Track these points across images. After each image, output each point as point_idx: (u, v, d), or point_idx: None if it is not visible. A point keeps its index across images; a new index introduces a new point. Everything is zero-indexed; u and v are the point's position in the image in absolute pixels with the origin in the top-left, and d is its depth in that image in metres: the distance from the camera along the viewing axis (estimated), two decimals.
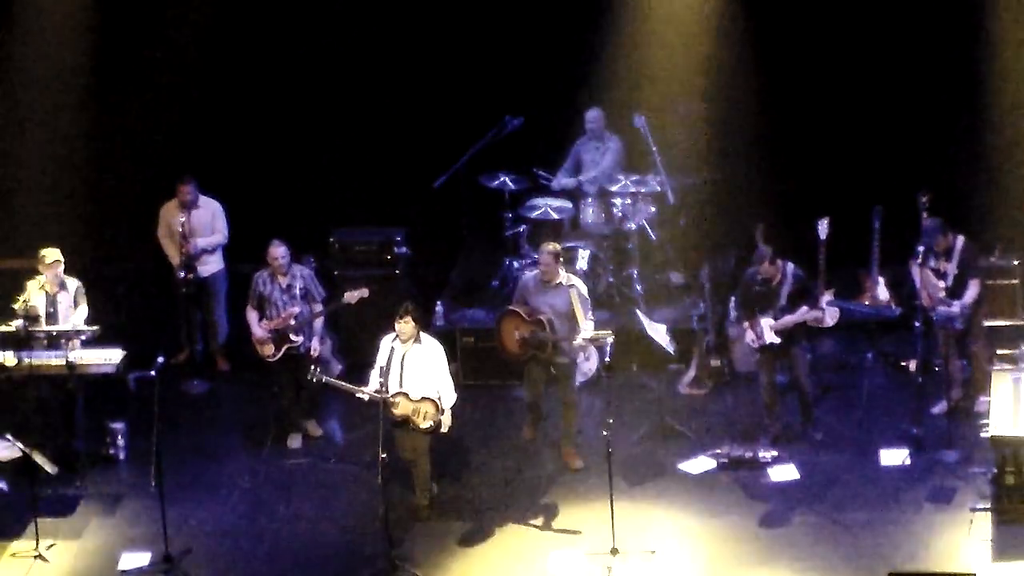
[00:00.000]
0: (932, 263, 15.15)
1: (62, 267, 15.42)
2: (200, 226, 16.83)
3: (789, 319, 14.94)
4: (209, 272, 16.91)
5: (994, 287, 15.94)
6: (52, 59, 18.12)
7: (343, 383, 14.49)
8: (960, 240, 15.14)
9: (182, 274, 16.70)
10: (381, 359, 14.10)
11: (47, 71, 18.19)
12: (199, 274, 16.82)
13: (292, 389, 15.45)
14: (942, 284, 15.09)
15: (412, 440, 14.13)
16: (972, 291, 15.06)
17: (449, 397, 14.21)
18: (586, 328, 14.51)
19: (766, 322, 15.01)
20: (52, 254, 15.41)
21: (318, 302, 15.44)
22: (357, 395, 14.15)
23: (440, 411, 14.08)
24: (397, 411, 13.98)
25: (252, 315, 15.41)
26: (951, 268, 15.11)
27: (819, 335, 16.35)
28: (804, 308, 14.93)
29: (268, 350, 15.32)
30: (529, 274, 15.17)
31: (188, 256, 16.69)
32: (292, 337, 15.26)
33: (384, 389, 13.94)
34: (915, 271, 15.31)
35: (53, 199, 18.50)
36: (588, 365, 15.93)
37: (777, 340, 15.00)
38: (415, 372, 14.04)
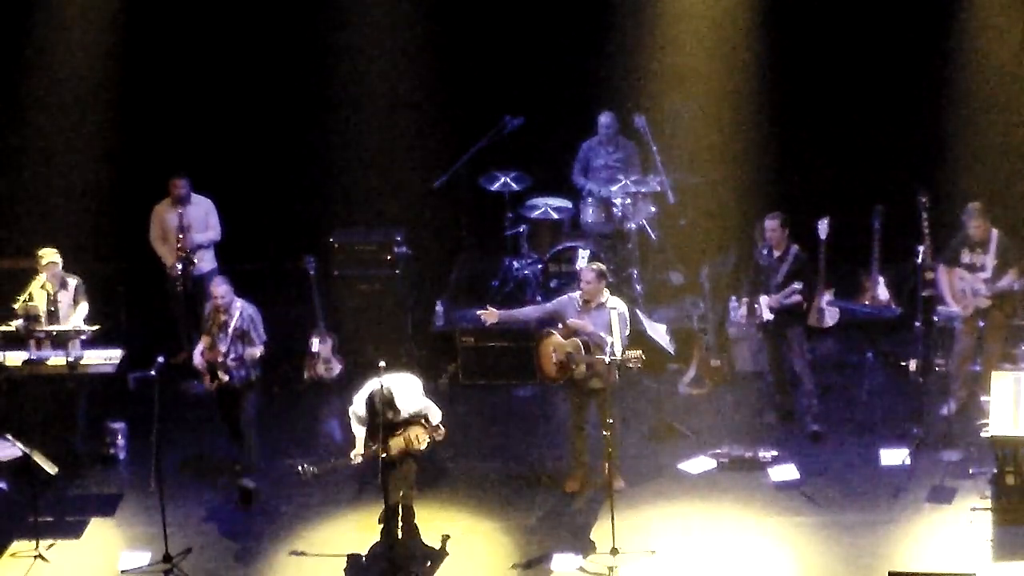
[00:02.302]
0: (966, 258, 15.11)
1: (60, 266, 15.43)
2: (194, 222, 16.87)
3: (776, 298, 15.09)
4: (203, 271, 16.93)
5: None
6: (56, 62, 18.12)
7: (331, 462, 14.10)
8: (995, 232, 15.11)
9: (180, 267, 16.73)
10: (365, 410, 13.74)
11: (51, 74, 18.19)
12: (195, 271, 16.85)
13: (226, 424, 15.08)
14: (981, 275, 15.06)
15: (399, 469, 13.90)
16: (1019, 277, 15.02)
17: (437, 415, 13.91)
18: (616, 349, 14.01)
19: (764, 300, 15.15)
20: (49, 254, 15.43)
21: (257, 345, 14.82)
22: (351, 461, 13.83)
23: (428, 428, 13.83)
24: (393, 452, 13.68)
25: (202, 341, 14.92)
26: (989, 260, 15.06)
27: (819, 335, 16.38)
28: (795, 288, 15.02)
29: (205, 379, 14.89)
30: (574, 294, 14.53)
31: (186, 252, 16.70)
32: (220, 375, 14.76)
33: (371, 442, 13.66)
34: (940, 274, 15.21)
35: (54, 199, 18.50)
36: None
37: (771, 317, 15.15)
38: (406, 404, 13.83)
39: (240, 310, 14.81)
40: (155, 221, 17.01)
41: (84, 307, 15.48)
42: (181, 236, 16.69)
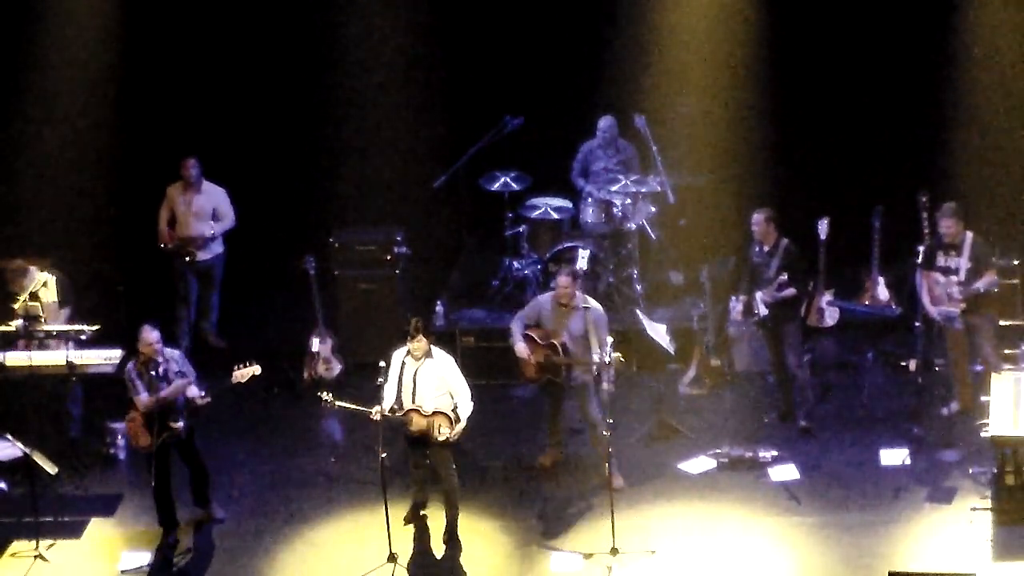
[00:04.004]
0: (941, 261, 15.10)
1: (30, 271, 15.44)
2: (201, 210, 16.92)
3: (768, 291, 15.14)
4: (209, 256, 17.03)
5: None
6: (57, 62, 18.12)
7: (355, 406, 14.01)
8: (969, 235, 15.08)
9: (186, 260, 16.92)
10: (394, 375, 13.91)
11: (51, 74, 18.19)
12: (198, 258, 17.01)
13: (167, 479, 14.19)
14: (954, 279, 15.04)
15: (434, 455, 13.99)
16: (988, 278, 14.99)
17: (466, 406, 13.92)
18: (602, 352, 14.19)
19: (759, 295, 15.20)
20: (15, 265, 15.47)
21: (193, 383, 14.10)
22: (371, 416, 13.77)
23: (454, 421, 13.87)
24: (412, 427, 13.86)
25: (142, 402, 14.07)
26: (963, 262, 15.03)
27: (819, 335, 16.38)
28: (783, 280, 15.07)
29: (144, 441, 14.01)
30: (545, 296, 14.83)
31: (187, 245, 16.87)
32: (171, 424, 14.02)
33: (397, 407, 13.82)
34: (919, 278, 15.20)
35: (54, 199, 18.49)
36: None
37: (766, 312, 15.21)
38: (427, 387, 13.87)
39: (170, 354, 14.17)
40: (166, 202, 17.17)
41: (66, 311, 15.49)
42: (185, 227, 16.96)
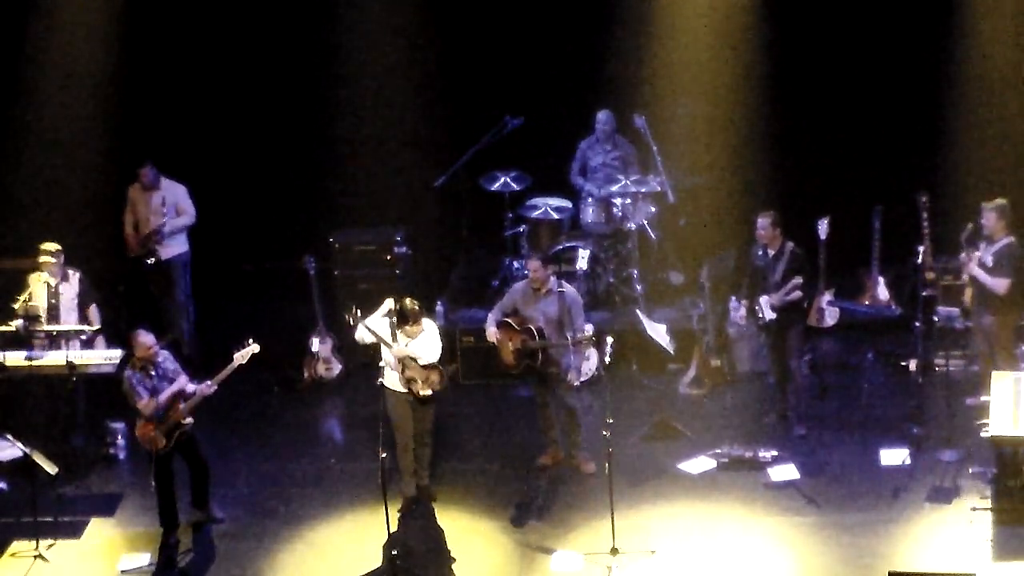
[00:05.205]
0: (980, 250, 15.06)
1: (61, 260, 15.52)
2: (160, 208, 16.96)
3: (777, 296, 15.10)
4: (172, 255, 17.03)
5: None
6: (57, 63, 18.12)
7: (380, 333, 14.20)
8: (1009, 240, 15.00)
9: (149, 261, 16.94)
10: (380, 332, 14.17)
11: (51, 74, 18.19)
12: (162, 257, 17.02)
13: (170, 479, 14.18)
14: (976, 254, 15.01)
15: (422, 416, 14.23)
16: (998, 280, 14.96)
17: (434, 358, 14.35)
18: (568, 332, 14.46)
19: (764, 299, 15.16)
20: (51, 246, 15.53)
21: (183, 374, 14.19)
22: (392, 348, 14.08)
23: (443, 378, 14.25)
24: (408, 372, 14.10)
25: (145, 406, 14.10)
26: (988, 258, 15.04)
27: (819, 335, 16.38)
28: (796, 283, 15.04)
29: (160, 443, 14.00)
30: (520, 283, 15.02)
31: (147, 243, 16.96)
32: (184, 421, 14.03)
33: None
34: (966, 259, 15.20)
35: (54, 199, 18.49)
36: (588, 364, 15.85)
37: (773, 316, 15.16)
38: (420, 350, 14.20)
39: (163, 354, 14.19)
40: (129, 206, 17.22)
41: (95, 308, 15.57)
42: (146, 226, 16.97)
